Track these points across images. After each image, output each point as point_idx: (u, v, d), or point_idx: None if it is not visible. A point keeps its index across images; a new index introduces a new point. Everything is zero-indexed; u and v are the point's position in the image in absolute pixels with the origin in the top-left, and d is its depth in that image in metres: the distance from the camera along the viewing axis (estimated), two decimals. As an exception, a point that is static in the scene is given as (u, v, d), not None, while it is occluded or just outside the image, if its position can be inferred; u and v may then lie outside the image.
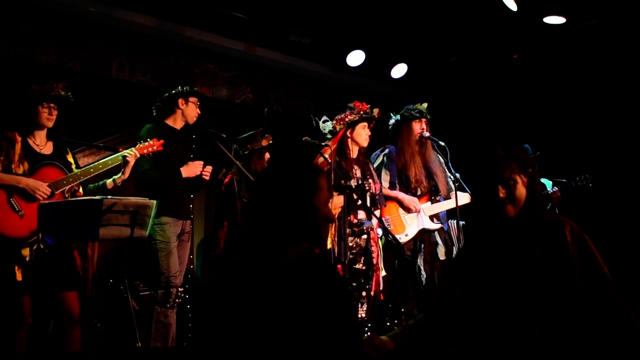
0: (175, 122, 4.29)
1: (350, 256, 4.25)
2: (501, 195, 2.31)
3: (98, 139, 5.24)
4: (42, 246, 3.43)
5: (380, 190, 4.51)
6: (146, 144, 3.92)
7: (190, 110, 4.30)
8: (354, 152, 4.45)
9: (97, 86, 5.39)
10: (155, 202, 3.54)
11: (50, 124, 3.70)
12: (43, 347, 3.72)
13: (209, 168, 4.29)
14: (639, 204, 5.73)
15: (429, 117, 4.84)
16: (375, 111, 4.42)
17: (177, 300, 4.11)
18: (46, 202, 3.45)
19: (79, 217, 3.29)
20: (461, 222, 4.78)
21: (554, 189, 5.43)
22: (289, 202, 1.80)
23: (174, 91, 4.25)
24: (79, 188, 3.76)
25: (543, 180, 5.82)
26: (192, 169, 4.20)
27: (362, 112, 4.37)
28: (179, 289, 4.16)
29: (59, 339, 3.63)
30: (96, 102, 5.38)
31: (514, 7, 5.13)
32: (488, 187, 2.33)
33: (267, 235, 1.82)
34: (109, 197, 3.39)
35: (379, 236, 4.46)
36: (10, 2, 4.78)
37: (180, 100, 4.26)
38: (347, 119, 4.39)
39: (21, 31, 4.90)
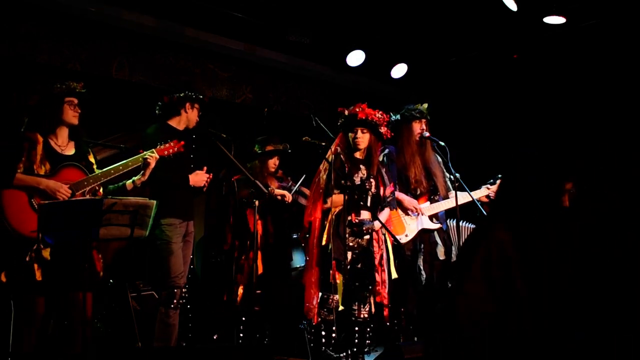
0: (179, 124, 4.33)
1: (353, 256, 4.27)
2: None
3: (98, 139, 5.24)
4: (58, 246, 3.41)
5: (393, 193, 4.50)
6: (167, 145, 3.94)
7: (193, 115, 4.37)
8: (360, 153, 4.45)
9: (97, 86, 5.37)
10: (155, 202, 3.54)
11: (76, 121, 3.74)
12: (43, 348, 3.71)
13: (209, 177, 4.31)
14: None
15: (429, 117, 4.85)
16: (360, 112, 4.35)
17: (180, 300, 4.13)
18: (46, 202, 3.45)
19: (79, 217, 3.28)
20: (461, 222, 4.78)
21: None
22: None
23: (182, 94, 4.28)
24: (99, 189, 3.76)
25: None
26: (199, 179, 4.24)
27: (345, 117, 4.41)
28: (182, 289, 4.17)
29: (64, 340, 3.62)
30: (96, 102, 5.37)
31: (514, 7, 5.13)
32: None
33: None
34: (109, 197, 3.40)
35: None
36: (10, 2, 4.78)
37: (187, 105, 4.32)
38: (339, 123, 4.44)
39: (21, 31, 4.90)
